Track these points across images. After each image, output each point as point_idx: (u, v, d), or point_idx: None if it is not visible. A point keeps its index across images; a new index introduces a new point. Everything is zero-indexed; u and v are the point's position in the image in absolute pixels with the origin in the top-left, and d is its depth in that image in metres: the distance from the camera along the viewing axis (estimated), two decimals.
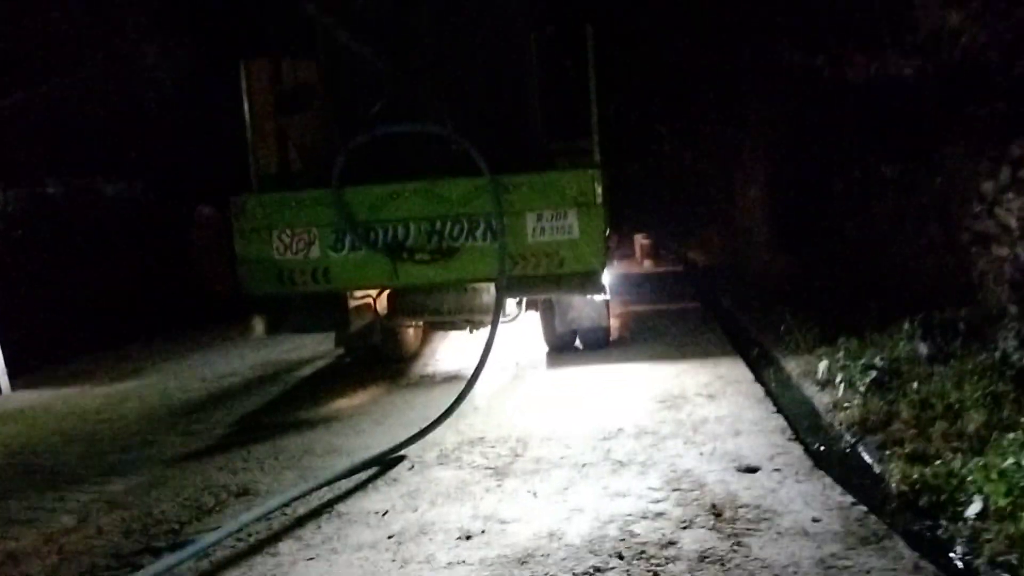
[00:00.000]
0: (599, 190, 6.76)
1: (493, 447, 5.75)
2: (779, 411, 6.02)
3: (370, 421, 6.75)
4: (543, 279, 6.86)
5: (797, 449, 5.14)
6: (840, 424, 5.45)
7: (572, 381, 7.54)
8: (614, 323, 9.37)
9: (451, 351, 9.54)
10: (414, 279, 6.90)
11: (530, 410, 6.66)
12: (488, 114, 7.17)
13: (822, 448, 5.26)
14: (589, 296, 7.63)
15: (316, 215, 6.85)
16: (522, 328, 9.46)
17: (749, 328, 9.15)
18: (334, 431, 6.56)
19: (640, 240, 17.88)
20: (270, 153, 7.32)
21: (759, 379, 7.05)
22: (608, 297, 7.83)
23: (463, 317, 7.89)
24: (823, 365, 6.42)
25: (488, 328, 6.69)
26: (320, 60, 7.35)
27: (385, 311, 7.95)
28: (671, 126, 16.41)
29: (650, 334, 9.49)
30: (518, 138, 7.15)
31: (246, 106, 7.11)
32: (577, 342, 8.77)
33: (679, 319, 10.48)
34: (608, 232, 7.35)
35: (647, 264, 17.21)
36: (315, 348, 10.03)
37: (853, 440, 5.14)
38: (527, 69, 7.28)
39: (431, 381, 8.13)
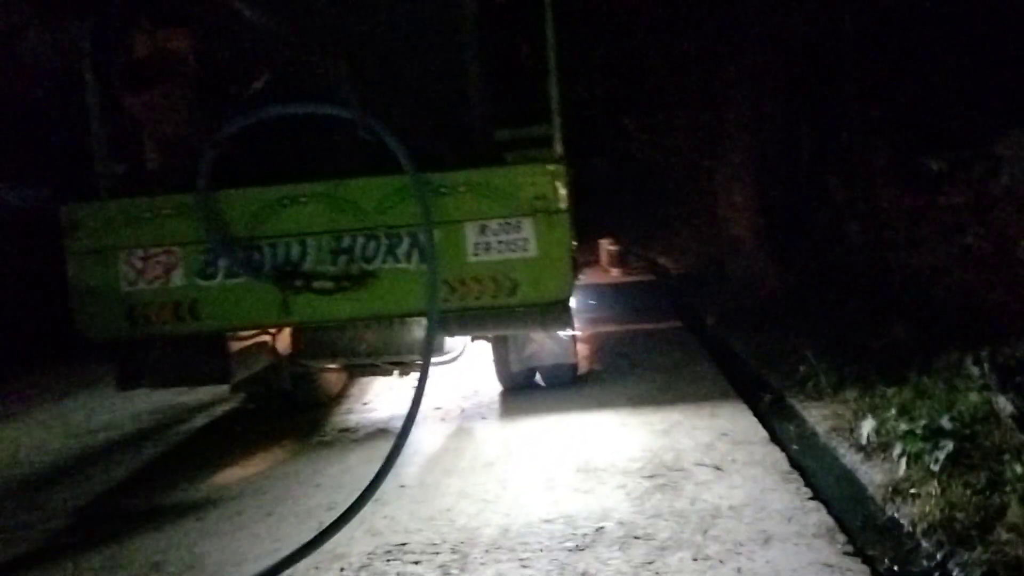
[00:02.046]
0: (562, 191, 5.05)
1: (418, 561, 4.02)
2: (815, 495, 4.37)
3: (257, 510, 4.96)
4: (490, 312, 5.13)
5: (861, 571, 3.49)
6: (913, 526, 3.80)
7: (531, 439, 5.82)
8: (580, 348, 7.65)
9: (382, 391, 7.74)
10: (312, 315, 5.12)
11: (475, 490, 4.93)
12: (414, 92, 5.45)
13: (896, 569, 3.59)
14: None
15: (178, 230, 5.05)
16: (470, 359, 7.74)
17: (747, 359, 7.50)
18: (205, 527, 4.76)
19: (606, 245, 16.22)
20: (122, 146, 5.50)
21: (774, 437, 5.40)
22: (577, 332, 6.12)
23: (388, 359, 6.07)
24: (869, 426, 4.77)
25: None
26: (191, 20, 5.54)
27: (289, 351, 6.12)
28: (639, 117, 14.77)
29: (626, 367, 7.78)
30: (454, 124, 5.42)
31: (89, 85, 5.33)
32: (538, 378, 7.06)
33: (659, 344, 8.78)
34: (575, 246, 5.66)
35: (615, 272, 15.55)
36: (217, 388, 8.15)
37: (942, 558, 3.48)
38: (465, 35, 5.55)
39: (350, 438, 6.34)
